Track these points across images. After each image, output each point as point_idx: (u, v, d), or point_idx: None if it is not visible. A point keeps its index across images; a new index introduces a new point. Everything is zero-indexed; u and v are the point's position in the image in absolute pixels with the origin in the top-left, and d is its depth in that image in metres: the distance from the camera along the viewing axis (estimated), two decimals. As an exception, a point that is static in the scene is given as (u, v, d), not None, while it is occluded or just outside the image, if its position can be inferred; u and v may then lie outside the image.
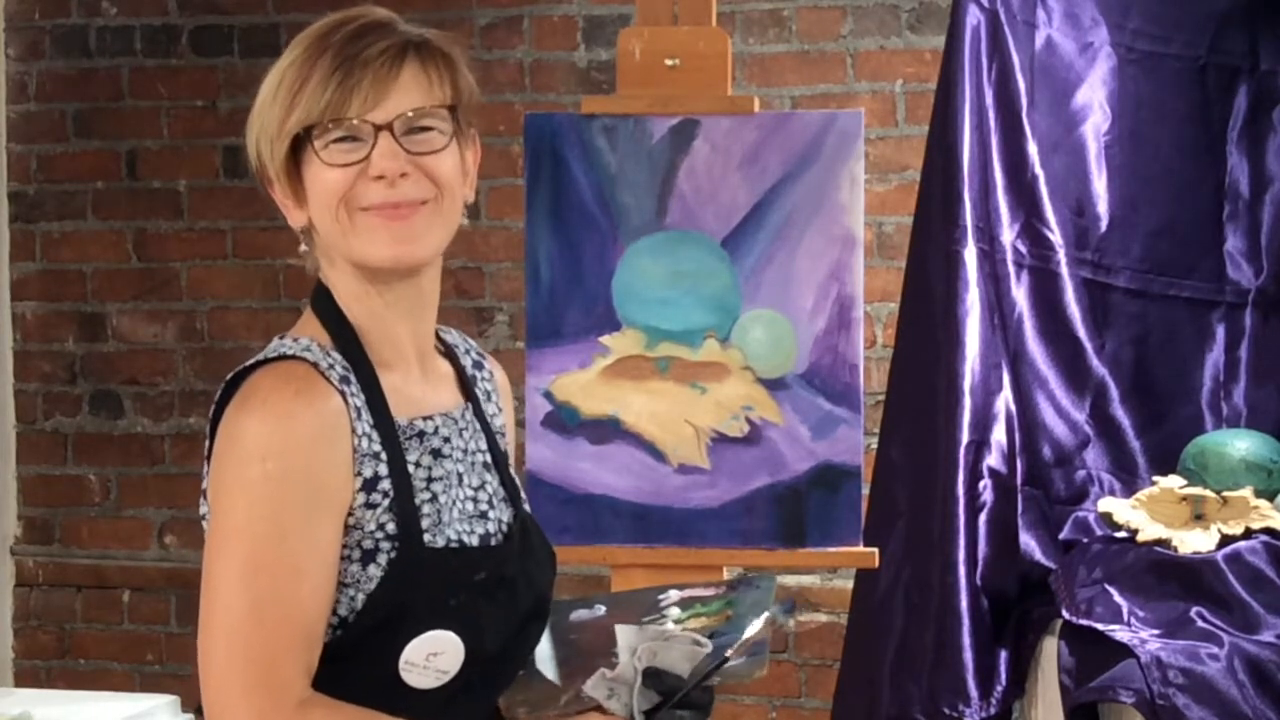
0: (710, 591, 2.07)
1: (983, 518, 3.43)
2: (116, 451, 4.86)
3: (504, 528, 1.94)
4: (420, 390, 1.92)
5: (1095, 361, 3.62)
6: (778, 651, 4.44)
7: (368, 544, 1.81)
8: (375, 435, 1.82)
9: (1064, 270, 3.59)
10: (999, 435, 3.48)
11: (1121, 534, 3.45)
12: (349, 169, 1.83)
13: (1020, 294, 3.56)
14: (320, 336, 1.87)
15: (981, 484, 3.44)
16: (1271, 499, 3.43)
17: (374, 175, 1.83)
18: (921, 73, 4.37)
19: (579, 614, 2.07)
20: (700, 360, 3.00)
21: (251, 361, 1.85)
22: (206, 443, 1.85)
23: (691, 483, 3.00)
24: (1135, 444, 3.63)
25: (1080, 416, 3.60)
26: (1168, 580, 3.33)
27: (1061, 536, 3.53)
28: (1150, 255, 3.68)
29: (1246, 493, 3.41)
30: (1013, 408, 3.50)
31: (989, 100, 3.54)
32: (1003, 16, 3.55)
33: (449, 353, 2.02)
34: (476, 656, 1.84)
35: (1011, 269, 3.55)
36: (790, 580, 4.39)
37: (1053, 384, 3.59)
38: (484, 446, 1.98)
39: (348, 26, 1.84)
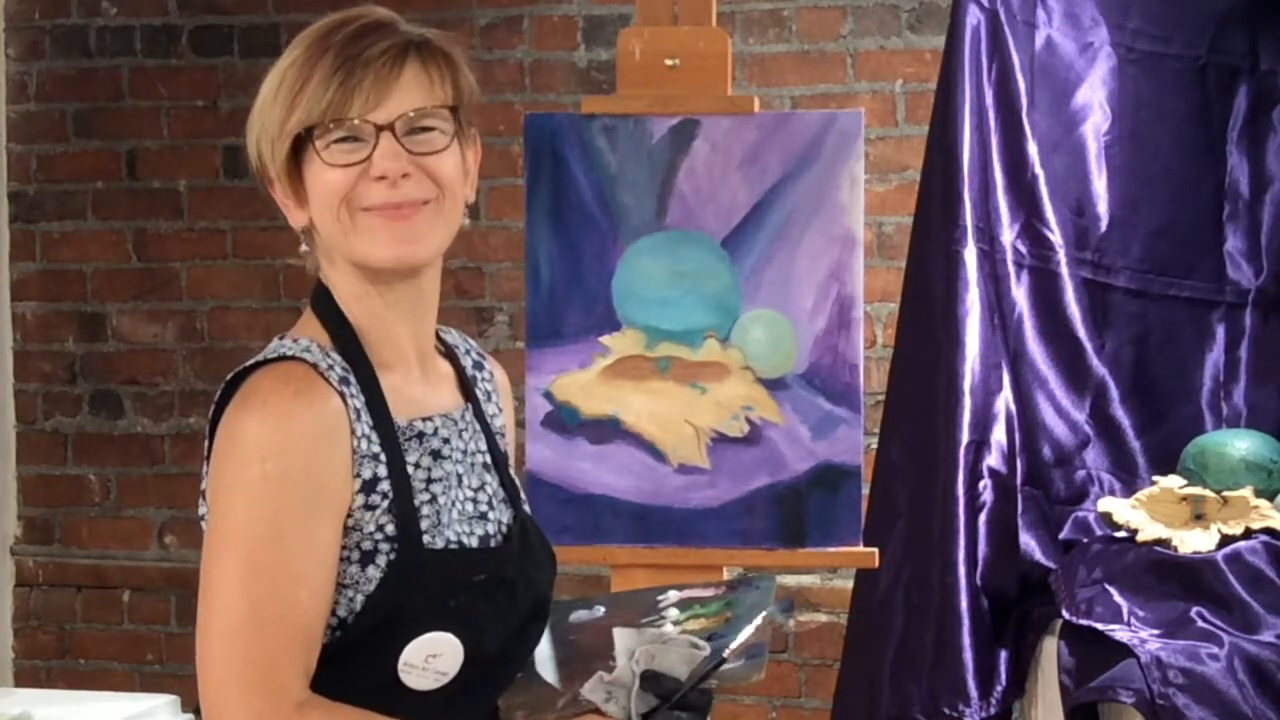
0: (709, 593, 2.07)
1: (983, 518, 3.43)
2: (116, 451, 4.86)
3: (504, 529, 1.94)
4: (420, 391, 1.92)
5: (1095, 361, 3.62)
6: (778, 651, 4.44)
7: (367, 545, 1.81)
8: (375, 436, 1.82)
9: (1064, 270, 3.59)
10: (999, 435, 3.48)
11: (1121, 534, 3.45)
12: (350, 169, 1.83)
13: (1020, 294, 3.56)
14: (320, 337, 1.87)
15: (981, 484, 3.44)
16: (1271, 499, 3.43)
17: (375, 175, 1.83)
18: (921, 73, 4.37)
19: (578, 615, 2.07)
20: (700, 360, 3.00)
21: (251, 362, 1.85)
22: (206, 443, 1.85)
23: (691, 483, 3.00)
24: (1135, 444, 3.63)
25: (1080, 416, 3.60)
26: (1168, 580, 3.33)
27: (1061, 536, 3.53)
28: (1150, 255, 3.68)
29: (1246, 493, 3.41)
30: (1013, 408, 3.50)
31: (989, 100, 3.54)
32: (1003, 16, 3.55)
33: (449, 353, 2.02)
34: (476, 658, 1.83)
35: (1011, 269, 3.55)
36: (790, 580, 4.39)
37: (1053, 384, 3.59)
38: (484, 447, 1.98)
39: (349, 26, 1.84)
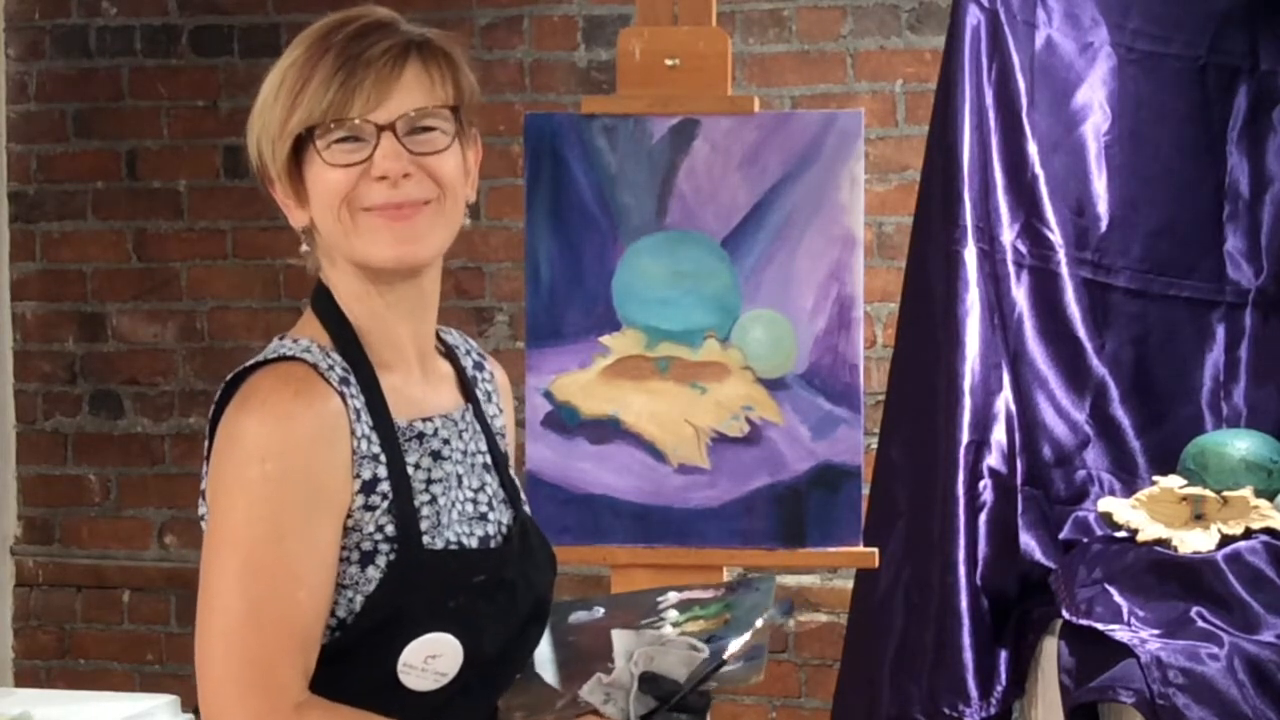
0: (709, 594, 2.07)
1: (983, 518, 3.43)
2: (116, 451, 4.86)
3: (503, 530, 1.94)
4: (420, 391, 1.92)
5: (1095, 361, 3.62)
6: (778, 651, 4.44)
7: (366, 546, 1.81)
8: (375, 437, 1.82)
9: (1064, 270, 3.59)
10: (999, 435, 3.48)
11: (1121, 534, 3.45)
12: (351, 169, 1.83)
13: (1020, 294, 3.56)
14: (320, 337, 1.87)
15: (981, 484, 3.44)
16: (1271, 499, 3.43)
17: (376, 175, 1.83)
18: (921, 73, 4.37)
19: (578, 616, 2.07)
20: (700, 360, 3.00)
21: (251, 362, 1.84)
22: (206, 443, 1.85)
23: (691, 483, 3.00)
24: (1135, 444, 3.63)
25: (1080, 416, 3.60)
26: (1168, 580, 3.33)
27: (1061, 536, 3.53)
28: (1150, 255, 3.68)
29: (1246, 493, 3.41)
30: (1013, 408, 3.50)
31: (989, 100, 3.54)
32: (1003, 16, 3.55)
33: (450, 354, 2.02)
34: (475, 659, 1.83)
35: (1011, 269, 3.55)
36: (790, 580, 4.39)
37: (1053, 384, 3.59)
38: (484, 448, 1.97)
39: (349, 26, 1.84)
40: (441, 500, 1.87)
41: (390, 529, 1.81)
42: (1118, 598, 3.31)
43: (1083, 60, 3.64)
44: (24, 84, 4.89)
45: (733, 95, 3.05)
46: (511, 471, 2.02)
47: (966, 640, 3.37)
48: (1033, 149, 3.56)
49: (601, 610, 2.07)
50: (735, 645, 1.91)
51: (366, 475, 1.81)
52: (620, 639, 1.94)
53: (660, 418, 3.00)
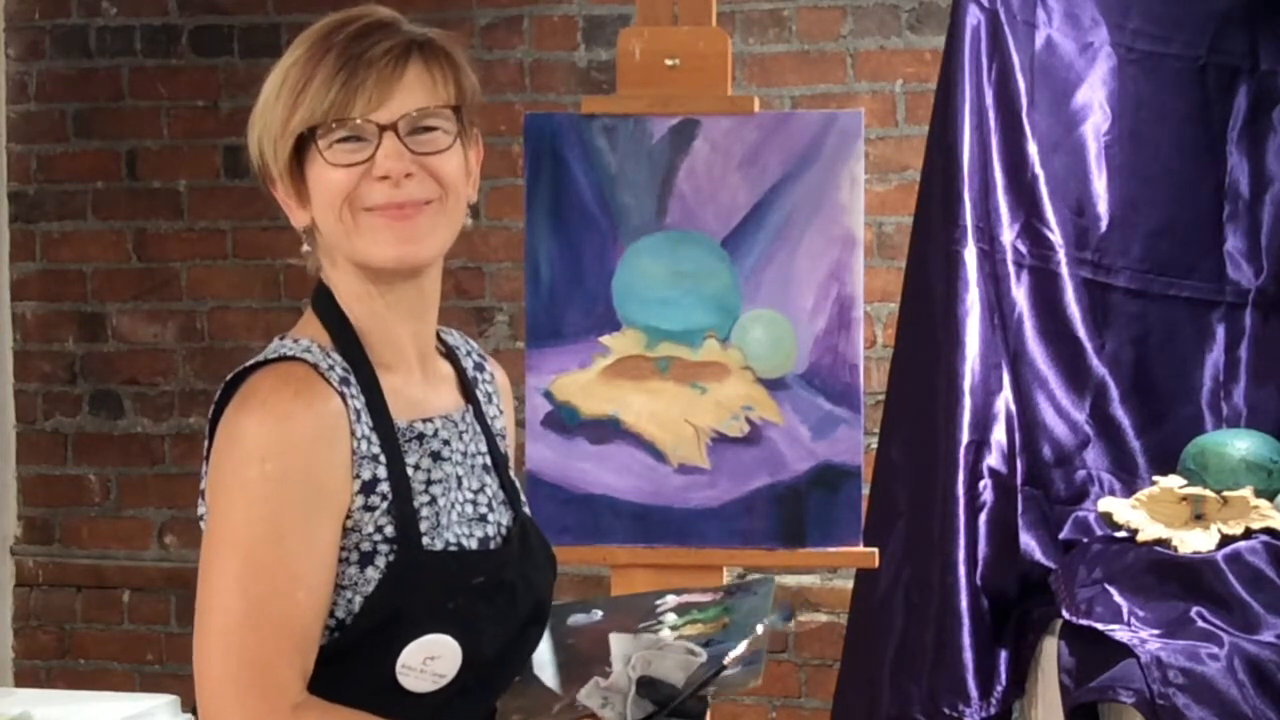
0: (708, 597, 2.06)
1: (983, 518, 3.43)
2: (116, 451, 4.86)
3: (503, 531, 1.94)
4: (420, 392, 1.92)
5: (1095, 361, 3.62)
6: (777, 651, 4.44)
7: (366, 546, 1.81)
8: (374, 437, 1.82)
9: (1064, 270, 3.59)
10: (999, 435, 3.48)
11: (1121, 534, 3.45)
12: (353, 169, 1.83)
13: (1020, 294, 3.56)
14: (321, 337, 1.87)
15: (981, 484, 3.44)
16: (1271, 499, 3.43)
17: (378, 175, 1.83)
18: (921, 73, 4.37)
19: (576, 618, 2.06)
20: (700, 360, 3.00)
21: (251, 362, 1.84)
22: (206, 443, 1.85)
23: (691, 483, 3.00)
24: (1135, 444, 3.63)
25: (1080, 416, 3.60)
26: (1168, 580, 3.33)
27: (1061, 536, 3.53)
28: (1150, 255, 3.68)
29: (1246, 493, 3.41)
30: (1013, 408, 3.50)
31: (989, 100, 3.54)
32: (1003, 16, 3.55)
33: (450, 354, 2.01)
34: (474, 661, 1.83)
35: (1011, 269, 3.55)
36: (790, 580, 4.39)
37: (1053, 384, 3.59)
38: (484, 449, 1.97)
39: (351, 26, 1.84)
40: (441, 501, 1.87)
41: (390, 530, 1.81)
42: (1118, 598, 3.31)
43: (1083, 60, 3.64)
44: (24, 84, 4.89)
45: (733, 95, 3.05)
46: (511, 473, 2.02)
47: (966, 640, 3.37)
48: (1033, 149, 3.56)
49: (600, 613, 2.07)
50: (736, 652, 1.90)
51: (366, 476, 1.80)
52: (618, 643, 1.93)
53: (660, 418, 3.00)
